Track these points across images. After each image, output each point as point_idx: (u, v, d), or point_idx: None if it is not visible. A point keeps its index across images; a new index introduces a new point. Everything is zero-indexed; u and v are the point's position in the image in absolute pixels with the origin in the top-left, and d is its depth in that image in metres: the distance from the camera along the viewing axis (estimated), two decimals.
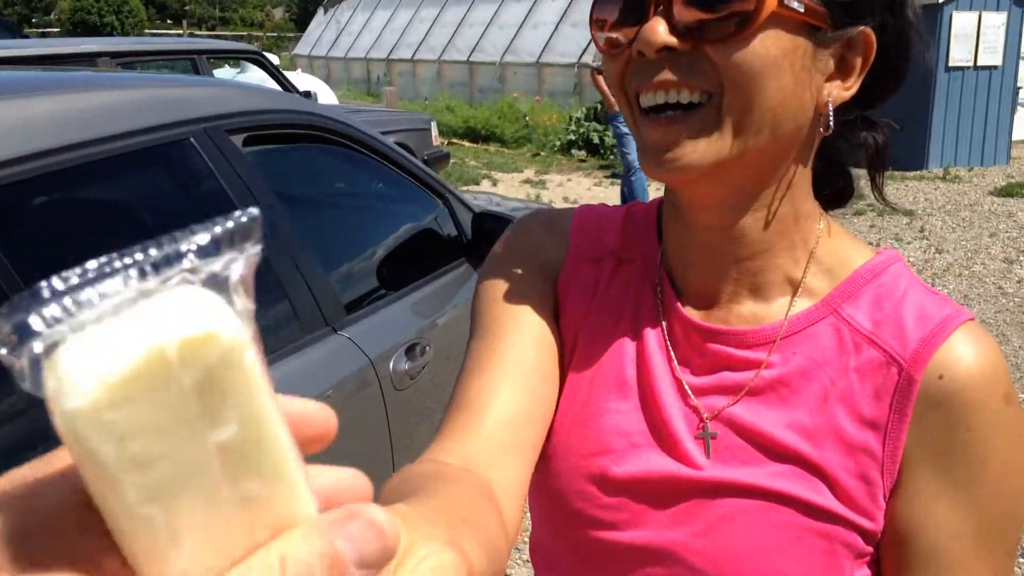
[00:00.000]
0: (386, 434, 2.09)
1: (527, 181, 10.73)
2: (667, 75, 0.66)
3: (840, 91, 0.71)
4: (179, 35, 47.35)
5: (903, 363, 0.70)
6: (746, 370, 0.74)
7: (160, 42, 6.02)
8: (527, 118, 14.78)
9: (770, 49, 0.66)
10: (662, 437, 0.75)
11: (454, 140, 14.87)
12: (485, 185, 10.54)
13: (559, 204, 8.66)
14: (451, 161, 12.14)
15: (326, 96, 9.57)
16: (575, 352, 0.81)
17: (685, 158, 0.67)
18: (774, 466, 0.71)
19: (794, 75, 0.67)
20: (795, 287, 0.76)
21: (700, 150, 0.67)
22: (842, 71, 0.71)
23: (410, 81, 20.73)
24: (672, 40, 0.65)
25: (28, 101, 1.64)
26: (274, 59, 11.11)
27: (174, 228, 1.17)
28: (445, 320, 2.42)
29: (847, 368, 0.72)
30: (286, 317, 1.90)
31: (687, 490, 0.73)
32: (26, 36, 12.96)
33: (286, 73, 10.21)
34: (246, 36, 50.83)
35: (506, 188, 10.15)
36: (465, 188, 10.10)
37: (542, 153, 12.99)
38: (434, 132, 7.98)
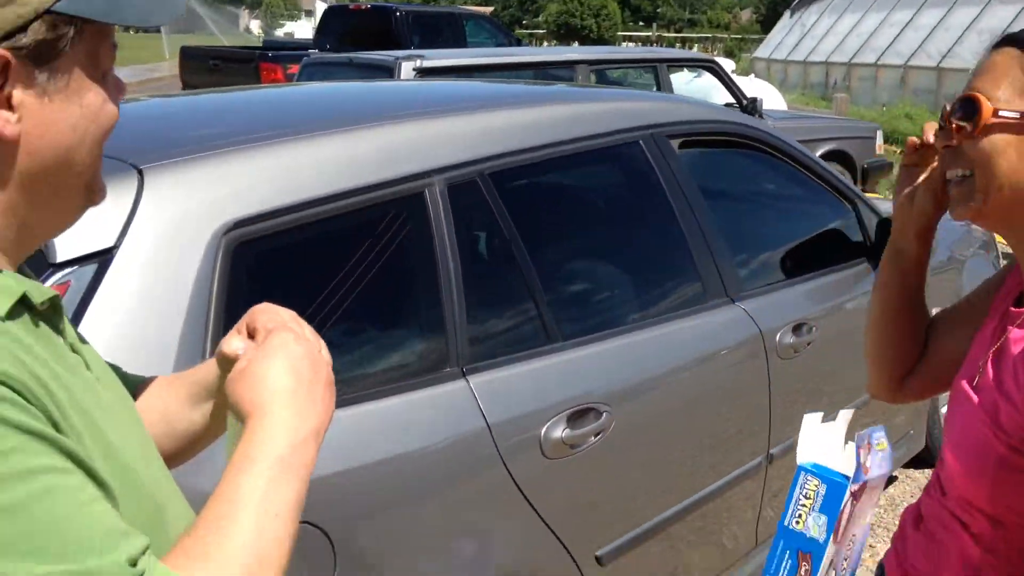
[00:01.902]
0: (767, 395, 2.49)
1: None
2: (948, 161, 1.15)
3: None
4: (647, 36, 49.92)
5: None
6: (1002, 336, 1.17)
7: (627, 51, 6.84)
8: None
9: (996, 143, 1.07)
10: (970, 374, 1.20)
11: None
12: None
13: None
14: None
15: (775, 101, 9.85)
16: None
17: (961, 208, 1.13)
18: (988, 402, 1.13)
19: (1019, 153, 1.07)
20: None
21: (969, 205, 1.12)
22: None
23: (870, 86, 20.01)
24: (949, 141, 1.13)
25: (545, 108, 2.31)
26: (729, 64, 11.63)
27: (624, 209, 2.04)
28: (836, 309, 2.74)
29: None
30: (694, 285, 2.39)
31: (959, 402, 1.20)
32: (517, 38, 14.90)
33: (739, 78, 10.65)
34: (711, 38, 52.07)
35: None
36: None
37: None
38: (879, 141, 7.93)
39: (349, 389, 1.69)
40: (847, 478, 1.13)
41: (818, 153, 7.46)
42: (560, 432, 1.92)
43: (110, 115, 0.80)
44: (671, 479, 2.28)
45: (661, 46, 45.84)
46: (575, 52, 6.41)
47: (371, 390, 1.71)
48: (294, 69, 7.65)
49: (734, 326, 2.41)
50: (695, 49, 47.92)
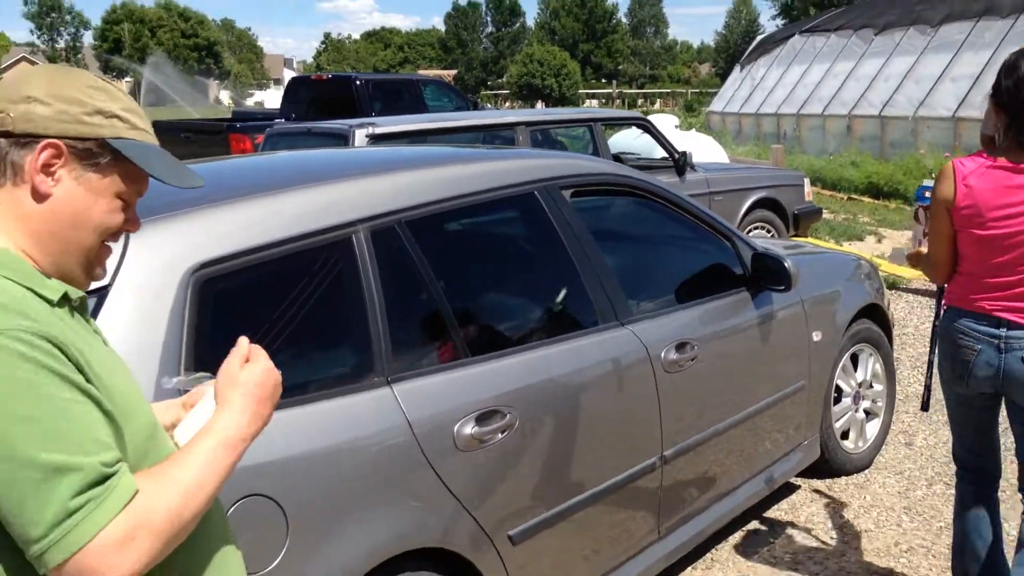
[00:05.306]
0: (655, 404, 2.96)
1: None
2: None
3: None
4: (608, 93, 51.31)
5: None
6: None
7: (563, 113, 7.43)
8: (932, 174, 14.39)
9: None
10: None
11: (853, 196, 14.89)
12: (869, 241, 10.71)
13: None
14: (842, 217, 12.41)
15: (715, 154, 10.48)
16: None
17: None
18: None
19: None
20: None
21: None
22: None
23: (819, 135, 20.88)
24: None
25: (453, 167, 2.82)
26: (672, 120, 12.32)
27: (523, 249, 2.85)
28: (716, 331, 3.24)
29: None
30: (586, 311, 2.87)
31: None
32: (475, 101, 15.54)
33: (683, 132, 11.31)
34: (671, 93, 53.66)
35: (890, 245, 10.27)
36: (847, 243, 10.41)
37: None
38: (806, 188, 8.53)
39: (300, 393, 2.15)
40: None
41: (749, 201, 8.05)
42: (470, 429, 2.38)
43: (112, 224, 1.27)
44: (574, 472, 2.73)
45: (622, 102, 47.15)
46: (514, 115, 7.00)
47: (316, 393, 2.16)
48: (261, 139, 8.17)
49: (622, 344, 2.89)
50: (657, 104, 49.39)
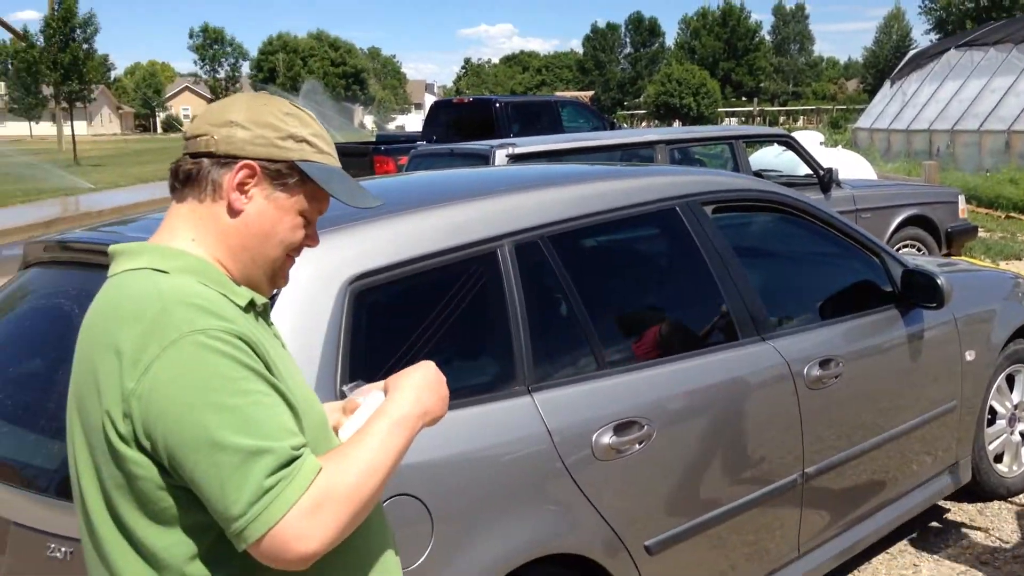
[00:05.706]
0: (797, 420, 2.92)
1: None
2: None
3: None
4: (749, 111, 50.35)
5: None
6: None
7: (703, 130, 7.38)
8: None
9: None
10: None
11: (1012, 214, 14.11)
12: None
13: None
14: (999, 235, 11.77)
15: (863, 171, 10.16)
16: None
17: None
18: None
19: None
20: None
21: None
22: None
23: (975, 152, 19.88)
24: None
25: (594, 184, 2.88)
26: (817, 136, 12.00)
27: (664, 263, 2.92)
28: (862, 348, 3.16)
29: None
30: (727, 326, 2.87)
31: None
32: (612, 121, 15.60)
33: (828, 149, 11.02)
34: (815, 110, 52.08)
35: None
36: (1004, 262, 9.87)
37: None
38: (961, 206, 8.17)
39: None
40: None
41: (899, 219, 7.75)
42: (608, 439, 2.42)
43: (295, 239, 1.40)
44: (712, 485, 2.72)
45: (763, 119, 46.14)
46: (653, 133, 7.03)
47: (461, 400, 2.25)
48: (404, 160, 8.48)
49: (763, 359, 2.86)
50: (800, 121, 48.03)
